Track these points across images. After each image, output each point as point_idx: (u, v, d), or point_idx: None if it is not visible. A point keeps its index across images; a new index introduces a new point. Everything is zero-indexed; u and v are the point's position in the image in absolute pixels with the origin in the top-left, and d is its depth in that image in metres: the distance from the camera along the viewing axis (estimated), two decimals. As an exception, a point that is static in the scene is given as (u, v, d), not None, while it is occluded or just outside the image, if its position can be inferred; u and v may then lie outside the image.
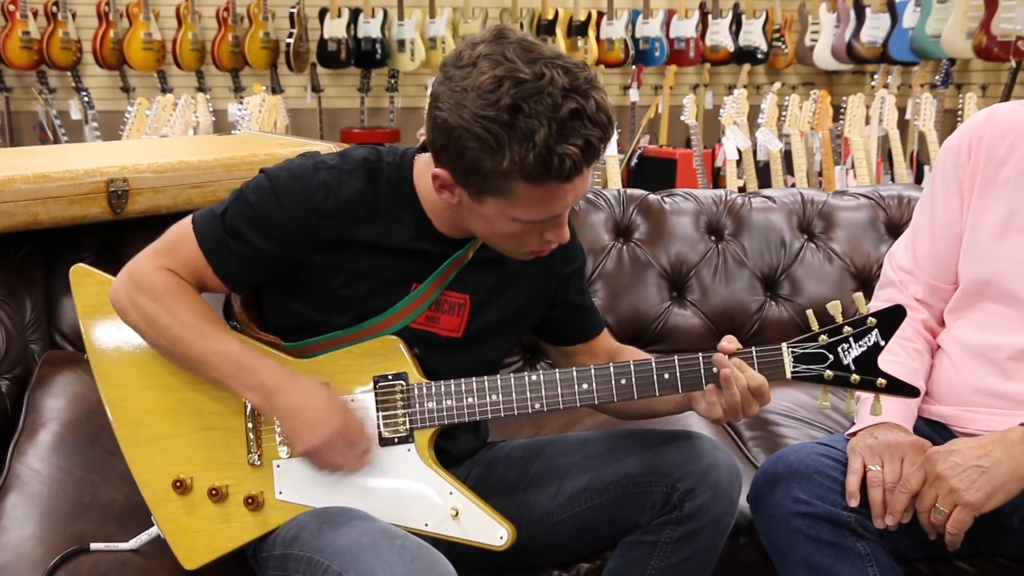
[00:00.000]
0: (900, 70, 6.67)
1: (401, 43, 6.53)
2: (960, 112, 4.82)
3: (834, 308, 1.51)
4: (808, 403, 2.22)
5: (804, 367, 1.51)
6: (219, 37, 6.20)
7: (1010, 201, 1.80)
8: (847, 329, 1.51)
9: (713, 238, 2.46)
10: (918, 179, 5.75)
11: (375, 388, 1.58)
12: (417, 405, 1.58)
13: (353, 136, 6.36)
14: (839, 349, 1.51)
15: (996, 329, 1.79)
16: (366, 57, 6.49)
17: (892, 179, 5.28)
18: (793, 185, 4.99)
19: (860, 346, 1.52)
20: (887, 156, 5.44)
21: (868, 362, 1.51)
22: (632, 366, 1.55)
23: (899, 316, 1.52)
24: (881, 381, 1.51)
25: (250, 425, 1.58)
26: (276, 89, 6.30)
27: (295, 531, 1.53)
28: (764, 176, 5.28)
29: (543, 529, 1.67)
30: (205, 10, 6.26)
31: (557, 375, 1.56)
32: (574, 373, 1.56)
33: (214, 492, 1.56)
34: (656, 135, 6.75)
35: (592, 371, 1.56)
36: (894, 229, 2.50)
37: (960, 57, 6.10)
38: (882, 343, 1.50)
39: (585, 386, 1.56)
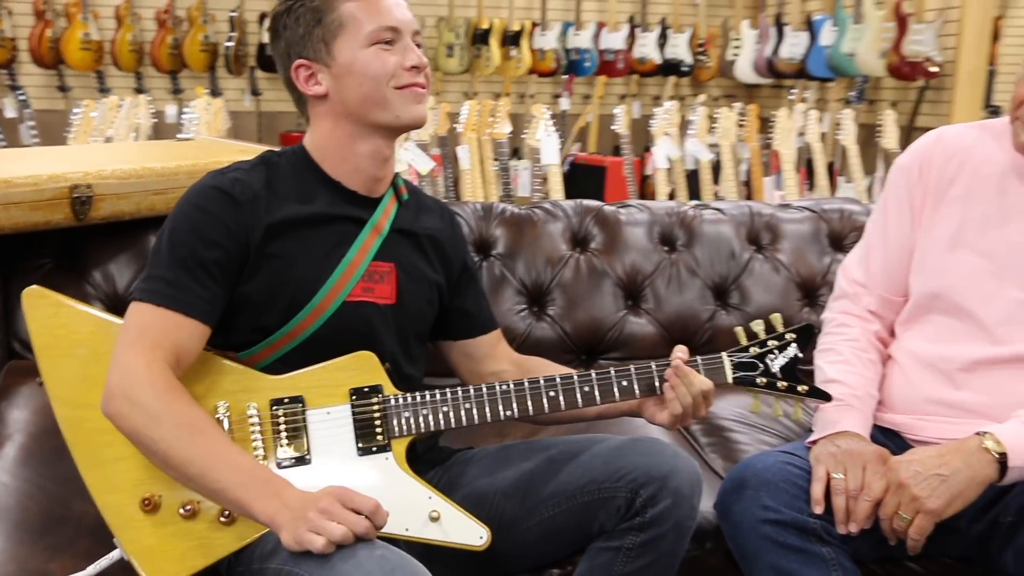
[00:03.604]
0: (818, 85, 6.77)
1: (339, 49, 6.42)
2: (879, 128, 4.90)
3: (756, 325, 1.67)
4: (763, 411, 2.23)
5: (742, 373, 1.64)
6: (158, 39, 6.04)
7: (959, 218, 1.83)
8: (771, 343, 1.65)
9: (666, 248, 2.44)
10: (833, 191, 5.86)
11: (351, 400, 1.56)
12: (393, 415, 1.57)
13: (293, 139, 6.19)
14: (767, 359, 1.65)
15: (945, 341, 1.82)
16: (304, 62, 6.37)
17: (811, 188, 5.36)
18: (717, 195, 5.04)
19: (784, 357, 1.66)
20: (807, 167, 5.53)
21: (791, 371, 1.66)
22: (594, 375, 1.62)
23: (811, 333, 1.68)
24: (802, 387, 1.66)
25: None
26: (215, 92, 6.16)
27: (272, 545, 1.46)
28: (692, 184, 5.32)
29: (512, 536, 1.64)
30: (144, 12, 6.10)
31: (526, 384, 1.61)
32: (541, 382, 1.61)
33: (187, 509, 1.48)
34: (586, 143, 6.77)
35: (558, 380, 1.61)
36: (836, 241, 2.52)
37: (873, 75, 6.22)
38: (800, 355, 1.65)
39: (552, 394, 1.61)
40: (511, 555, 1.66)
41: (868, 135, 5.37)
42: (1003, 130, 1.84)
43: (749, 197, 5.10)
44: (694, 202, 2.60)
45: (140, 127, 4.44)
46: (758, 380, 1.64)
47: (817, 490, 1.66)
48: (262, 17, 6.28)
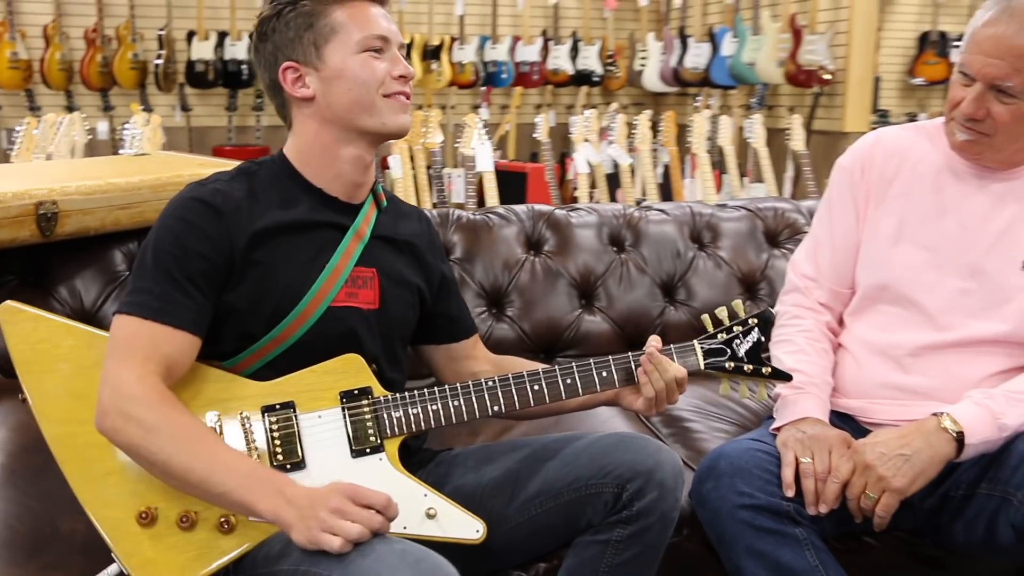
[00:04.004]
0: (721, 92, 6.86)
1: (266, 65, 6.29)
2: (787, 131, 4.98)
3: (721, 312, 1.65)
4: (713, 399, 2.23)
5: (712, 359, 1.63)
6: (88, 57, 5.84)
7: (900, 214, 1.85)
8: (736, 328, 1.64)
9: (615, 249, 2.41)
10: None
11: (342, 404, 1.51)
12: (384, 416, 1.52)
13: (225, 153, 6.09)
14: (733, 344, 1.63)
15: (893, 329, 1.83)
16: (233, 78, 6.24)
17: (718, 191, 5.40)
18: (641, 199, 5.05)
19: (748, 342, 1.64)
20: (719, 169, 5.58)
21: (755, 354, 1.64)
22: (575, 367, 1.59)
23: (770, 317, 1.66)
24: (767, 369, 1.65)
25: None
26: (146, 108, 5.98)
27: (280, 547, 1.40)
28: (612, 187, 5.34)
29: (501, 533, 1.59)
30: (73, 31, 5.88)
31: (511, 379, 1.57)
32: (525, 376, 1.57)
33: (184, 519, 1.40)
34: (505, 151, 6.75)
35: (541, 373, 1.58)
36: (772, 238, 2.52)
37: (772, 82, 6.31)
38: (763, 339, 1.65)
39: (536, 387, 1.57)
40: (500, 551, 1.62)
41: (770, 138, 5.44)
42: (935, 131, 1.87)
43: (670, 199, 5.12)
44: (638, 204, 2.58)
45: (76, 144, 4.26)
46: (727, 364, 1.63)
47: (788, 474, 1.66)
48: (190, 35, 6.12)
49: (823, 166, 5.42)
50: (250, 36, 6.19)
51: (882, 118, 5.92)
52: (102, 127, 5.68)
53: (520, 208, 2.41)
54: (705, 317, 1.66)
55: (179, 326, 1.43)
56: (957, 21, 6.58)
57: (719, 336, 1.64)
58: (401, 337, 1.67)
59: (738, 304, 1.66)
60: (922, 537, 1.84)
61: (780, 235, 2.52)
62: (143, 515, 1.40)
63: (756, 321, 1.65)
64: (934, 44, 6.51)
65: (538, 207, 2.43)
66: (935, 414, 1.65)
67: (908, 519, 1.80)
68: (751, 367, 1.64)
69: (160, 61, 6.04)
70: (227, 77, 6.24)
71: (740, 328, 1.64)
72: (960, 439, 1.61)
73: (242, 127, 6.53)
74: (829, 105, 6.18)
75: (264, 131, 6.48)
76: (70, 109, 5.70)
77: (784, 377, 1.67)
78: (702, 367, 1.62)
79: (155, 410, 1.36)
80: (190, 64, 6.14)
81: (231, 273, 1.49)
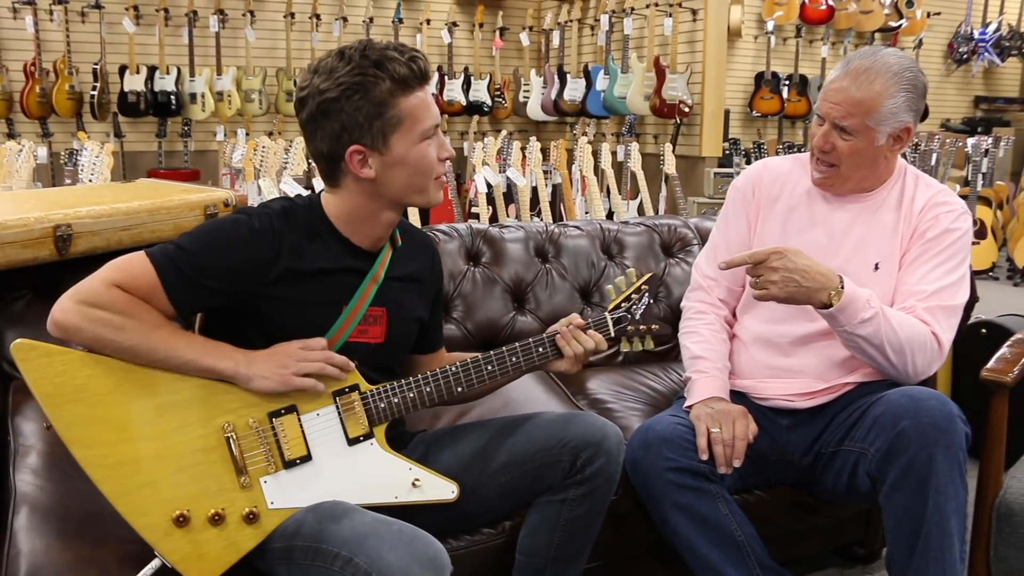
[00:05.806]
0: (595, 122, 7.09)
1: (193, 96, 6.21)
2: (661, 157, 5.21)
3: (620, 282, 1.79)
4: (627, 384, 2.37)
5: (619, 327, 1.76)
6: (27, 88, 5.65)
7: (783, 227, 2.02)
8: (633, 296, 1.79)
9: (540, 260, 2.55)
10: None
11: (335, 400, 1.58)
12: (372, 407, 1.60)
13: (160, 175, 5.98)
14: (632, 310, 1.78)
15: (776, 321, 2.00)
16: (162, 108, 6.13)
17: (610, 208, 5.59)
18: (539, 213, 5.20)
19: (642, 305, 1.79)
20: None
21: (648, 314, 1.79)
22: (518, 346, 1.69)
23: (656, 281, 1.81)
24: (656, 326, 1.79)
25: (235, 452, 1.50)
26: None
27: (294, 526, 1.48)
28: (506, 204, 5.47)
29: (475, 499, 1.70)
30: (12, 64, 5.68)
31: (469, 365, 1.65)
32: (480, 359, 1.67)
33: (216, 517, 1.46)
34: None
35: (492, 355, 1.67)
36: (667, 249, 2.69)
37: (640, 114, 6.57)
38: (651, 301, 1.81)
39: (490, 368, 1.67)
40: (475, 513, 1.74)
41: (659, 165, 5.65)
42: (806, 161, 2.06)
43: (561, 217, 5.29)
44: (558, 222, 2.72)
45: (31, 169, 4.15)
46: (628, 328, 1.77)
47: (702, 442, 1.82)
48: (122, 69, 5.99)
49: (685, 186, 5.70)
50: (179, 71, 6.11)
51: (733, 145, 6.23)
52: (41, 152, 5.50)
53: (460, 226, 2.52)
54: (609, 288, 1.80)
55: (172, 296, 1.48)
56: (785, 64, 6.99)
57: (623, 305, 1.77)
58: (399, 359, 1.75)
59: (631, 272, 1.80)
60: (800, 488, 2.02)
61: (674, 247, 2.70)
62: (179, 518, 1.44)
63: (647, 287, 1.80)
64: (768, 82, 6.88)
65: (476, 225, 2.55)
66: (841, 283, 1.78)
67: (789, 474, 1.99)
68: (645, 327, 1.78)
69: (95, 92, 5.89)
70: (157, 107, 6.13)
71: (636, 295, 1.78)
72: (829, 306, 1.78)
73: (171, 151, 6.41)
74: (688, 134, 6.48)
75: (191, 155, 6.38)
76: (11, 136, 5.52)
77: (665, 333, 1.82)
78: (612, 333, 1.75)
79: (121, 312, 1.43)
80: (123, 95, 6.01)
81: (245, 300, 1.52)
